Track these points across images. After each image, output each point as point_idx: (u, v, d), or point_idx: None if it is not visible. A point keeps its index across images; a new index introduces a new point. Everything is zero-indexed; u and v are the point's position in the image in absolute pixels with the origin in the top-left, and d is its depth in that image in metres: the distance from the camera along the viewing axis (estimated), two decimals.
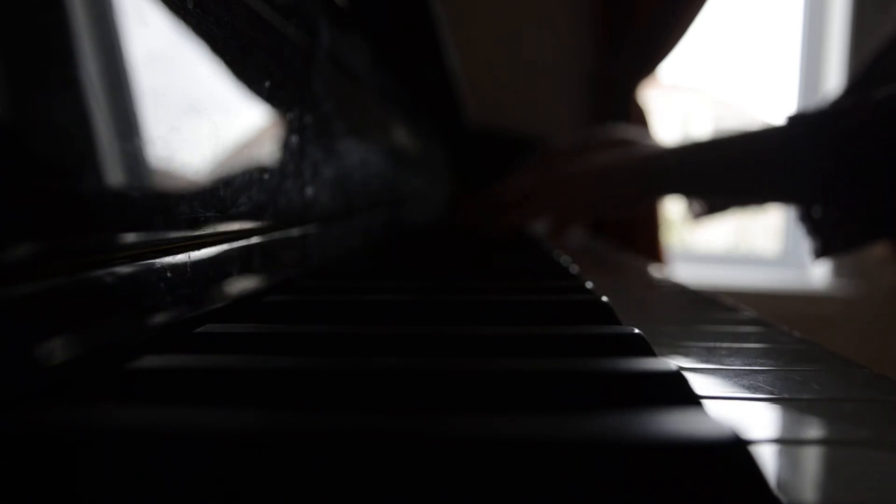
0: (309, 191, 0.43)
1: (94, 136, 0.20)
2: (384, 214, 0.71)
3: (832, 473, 0.17)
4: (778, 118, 0.69)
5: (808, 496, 0.15)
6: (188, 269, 0.26)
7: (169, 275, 0.25)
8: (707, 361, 0.28)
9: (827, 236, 0.69)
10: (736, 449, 0.14)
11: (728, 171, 0.72)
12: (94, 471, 0.13)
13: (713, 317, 0.40)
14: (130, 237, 0.22)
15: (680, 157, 0.75)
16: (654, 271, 0.70)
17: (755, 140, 0.71)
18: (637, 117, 1.76)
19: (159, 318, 0.24)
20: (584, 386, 0.20)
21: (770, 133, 0.69)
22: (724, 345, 0.31)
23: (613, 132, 0.89)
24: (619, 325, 0.30)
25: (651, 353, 0.25)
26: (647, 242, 1.74)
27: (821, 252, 0.71)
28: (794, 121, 0.67)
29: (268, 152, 0.36)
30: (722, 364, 0.28)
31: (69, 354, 0.19)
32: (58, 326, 0.18)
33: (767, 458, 0.17)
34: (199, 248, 0.28)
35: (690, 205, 0.85)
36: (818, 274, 1.89)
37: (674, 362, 0.21)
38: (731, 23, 2.09)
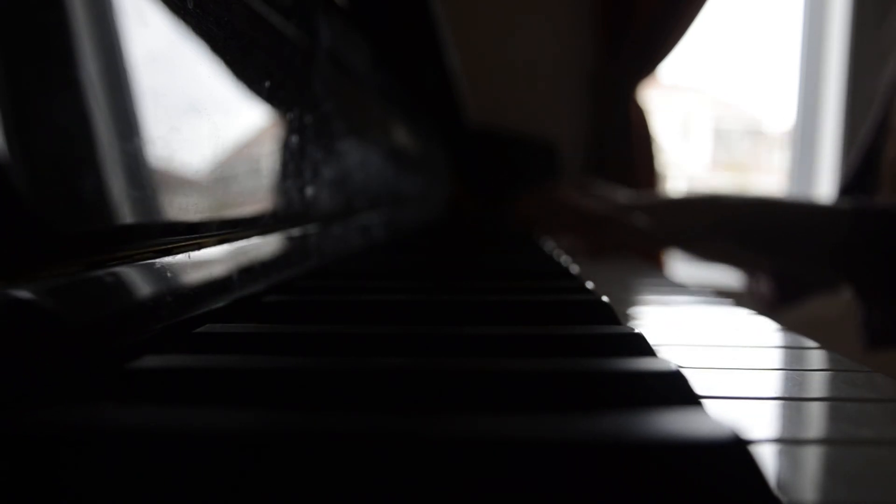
0: (309, 191, 0.43)
1: (95, 136, 0.20)
2: (384, 214, 0.71)
3: (832, 473, 0.17)
4: (844, 202, 0.74)
5: (808, 496, 0.15)
6: (188, 269, 0.26)
7: (169, 275, 0.25)
8: (707, 361, 0.28)
9: (880, 327, 0.72)
10: (736, 449, 0.14)
11: (789, 237, 0.76)
12: (94, 471, 0.13)
13: (713, 316, 0.40)
14: (131, 237, 0.22)
15: (750, 206, 0.79)
16: (654, 271, 0.70)
17: (824, 216, 0.75)
18: (637, 117, 1.76)
19: (159, 318, 0.24)
20: (584, 386, 0.20)
21: (839, 215, 0.73)
22: (724, 344, 0.31)
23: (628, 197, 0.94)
24: (619, 325, 0.30)
25: (651, 353, 0.25)
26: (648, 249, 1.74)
27: (875, 342, 0.73)
28: (862, 214, 0.71)
29: (268, 152, 0.36)
30: (722, 364, 0.28)
31: (69, 354, 0.19)
32: (58, 326, 0.18)
33: (767, 458, 0.17)
34: (198, 248, 0.28)
35: (763, 291, 0.85)
36: None
37: (674, 362, 0.21)
38: (731, 23, 2.09)
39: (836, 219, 0.74)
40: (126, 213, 0.22)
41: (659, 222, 0.81)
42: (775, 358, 0.29)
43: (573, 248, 0.86)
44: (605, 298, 0.33)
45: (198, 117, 0.27)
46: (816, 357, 0.29)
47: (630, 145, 1.76)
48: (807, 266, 0.83)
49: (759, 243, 0.81)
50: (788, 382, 0.25)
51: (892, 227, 0.70)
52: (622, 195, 0.94)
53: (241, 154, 0.32)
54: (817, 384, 0.25)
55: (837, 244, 0.73)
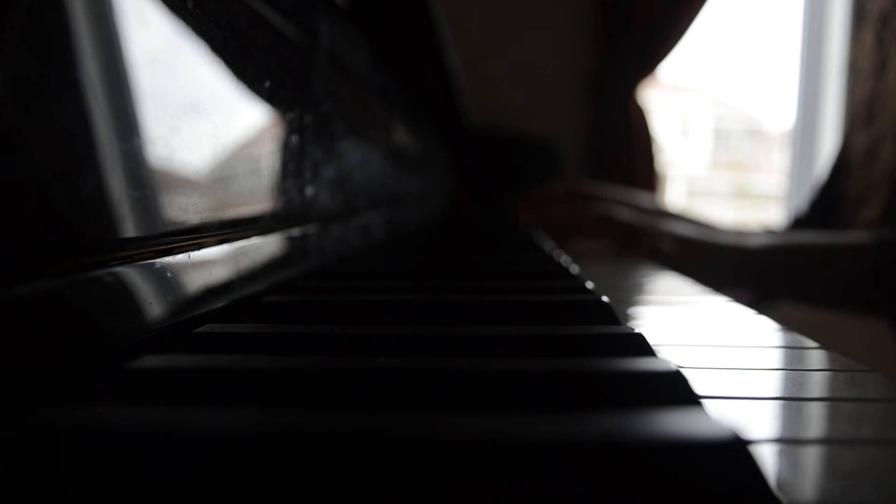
0: (309, 191, 0.43)
1: (95, 136, 0.20)
2: (384, 214, 0.71)
3: (832, 473, 0.17)
4: (865, 236, 0.76)
5: (808, 496, 0.15)
6: (188, 269, 0.26)
7: (169, 275, 0.25)
8: (707, 361, 0.28)
9: None
10: (736, 449, 0.14)
11: (819, 278, 0.79)
12: (94, 471, 0.13)
13: (713, 316, 0.40)
14: (130, 237, 0.22)
15: (773, 252, 0.80)
16: (655, 271, 0.70)
17: (847, 252, 0.77)
18: (637, 117, 1.76)
19: (159, 318, 0.24)
20: (584, 386, 0.20)
21: (860, 249, 0.76)
22: (724, 344, 0.31)
23: (634, 196, 0.98)
24: (619, 325, 0.30)
25: (651, 353, 0.25)
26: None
27: None
28: (883, 244, 0.73)
29: (267, 152, 0.36)
30: (722, 364, 0.28)
31: (69, 354, 0.19)
32: (58, 326, 0.18)
33: (767, 458, 0.17)
34: (198, 248, 0.28)
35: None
36: None
37: (673, 362, 0.21)
38: (730, 23, 2.09)
39: (859, 254, 0.76)
40: (126, 213, 0.22)
41: (683, 256, 0.82)
42: (775, 358, 0.29)
43: (600, 249, 0.86)
44: (604, 298, 0.33)
45: (198, 117, 0.27)
46: (816, 357, 0.29)
47: (630, 145, 1.76)
48: (837, 304, 0.85)
49: (783, 289, 0.83)
50: (788, 382, 0.25)
51: None
52: (646, 206, 0.96)
53: (241, 154, 0.32)
54: (817, 384, 0.25)
55: (863, 278, 0.75)
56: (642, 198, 1.06)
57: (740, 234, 0.88)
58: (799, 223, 1.04)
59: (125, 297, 0.22)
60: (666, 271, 0.69)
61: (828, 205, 0.97)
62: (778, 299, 0.89)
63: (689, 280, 0.60)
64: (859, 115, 0.93)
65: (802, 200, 1.09)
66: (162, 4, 0.24)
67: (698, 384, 0.24)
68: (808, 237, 0.84)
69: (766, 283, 0.83)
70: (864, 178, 0.88)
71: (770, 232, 0.99)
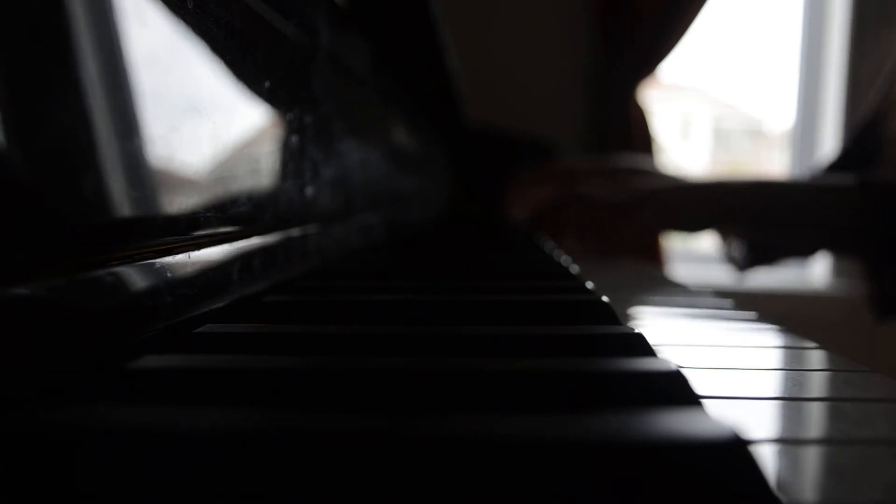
0: (309, 191, 0.43)
1: (95, 135, 0.20)
2: (384, 214, 0.71)
3: (832, 473, 0.17)
4: (849, 178, 0.76)
5: (808, 496, 0.15)
6: (188, 269, 0.26)
7: (169, 275, 0.25)
8: (707, 361, 0.28)
9: (890, 299, 0.74)
10: (736, 449, 0.14)
11: (798, 216, 0.78)
12: (94, 471, 0.13)
13: (714, 317, 0.40)
14: (130, 237, 0.22)
15: (757, 192, 0.80)
16: (655, 271, 0.70)
17: (829, 193, 0.77)
18: (637, 117, 1.76)
19: (159, 318, 0.24)
20: (584, 386, 0.20)
21: (846, 191, 0.75)
22: (724, 344, 0.31)
23: (629, 161, 0.97)
24: (619, 325, 0.30)
25: (651, 353, 0.25)
26: (648, 242, 1.74)
27: (885, 314, 0.75)
28: (867, 188, 0.73)
29: (267, 152, 0.36)
30: (722, 364, 0.28)
31: (69, 354, 0.19)
32: (58, 326, 0.18)
33: (767, 458, 0.17)
34: (198, 248, 0.28)
35: (735, 256, 0.86)
36: (818, 274, 1.89)
37: (674, 362, 0.21)
38: (731, 23, 2.09)
39: (843, 196, 0.75)
40: (126, 213, 0.22)
41: (666, 210, 0.81)
42: (775, 358, 0.29)
43: (580, 245, 0.86)
44: (605, 298, 0.33)
45: (198, 117, 0.27)
46: (816, 357, 0.29)
47: (630, 145, 1.76)
48: (817, 245, 0.85)
49: (767, 227, 0.82)
50: (788, 382, 0.25)
51: None
52: (624, 164, 0.94)
53: (241, 154, 0.32)
54: (817, 384, 0.25)
55: (846, 221, 0.75)
56: (626, 161, 1.05)
57: (723, 181, 0.87)
58: (837, 165, 1.01)
59: (125, 297, 0.22)
60: (665, 271, 0.69)
61: (868, 148, 0.95)
62: (764, 247, 0.88)
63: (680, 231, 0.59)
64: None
65: (840, 144, 1.06)
66: (162, 4, 0.24)
67: (698, 384, 0.24)
68: (792, 180, 0.83)
69: (749, 225, 0.82)
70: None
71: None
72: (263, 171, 0.35)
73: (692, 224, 0.83)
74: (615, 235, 0.83)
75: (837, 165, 1.00)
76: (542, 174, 0.97)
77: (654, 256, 1.73)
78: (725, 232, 0.85)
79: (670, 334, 0.34)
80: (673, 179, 0.87)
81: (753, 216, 0.81)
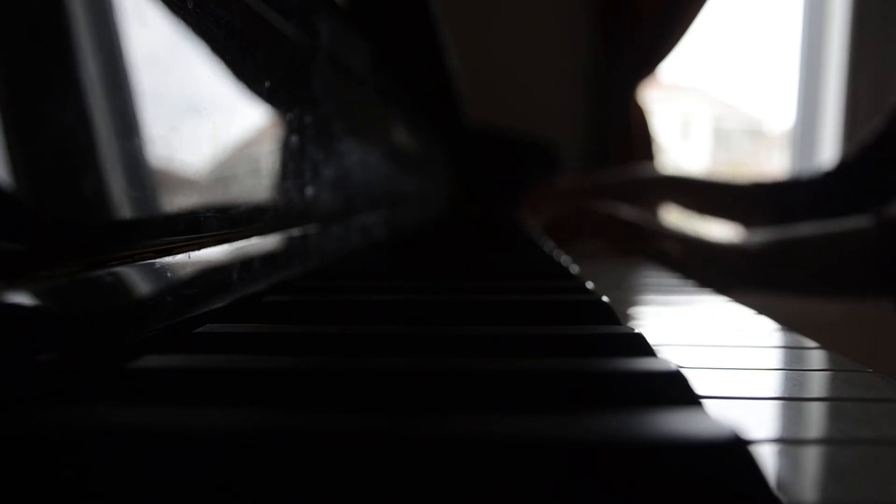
0: (309, 191, 0.43)
1: (95, 135, 0.20)
2: (384, 214, 0.71)
3: (832, 473, 0.17)
4: (863, 220, 0.77)
5: (808, 496, 0.15)
6: (188, 269, 0.26)
7: (169, 275, 0.25)
8: (707, 361, 0.28)
9: None
10: (736, 449, 0.14)
11: (822, 269, 0.80)
12: (94, 471, 0.13)
13: (713, 316, 0.40)
14: (131, 237, 0.22)
15: (777, 253, 0.81)
16: (655, 271, 0.70)
17: (849, 240, 0.78)
18: (637, 117, 1.76)
19: (159, 318, 0.24)
20: (584, 386, 0.20)
21: (862, 233, 0.76)
22: (724, 344, 0.31)
23: (653, 171, 1.02)
24: (619, 325, 0.30)
25: (651, 353, 0.25)
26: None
27: None
28: (885, 225, 0.74)
29: (267, 152, 0.36)
30: (722, 364, 0.28)
31: (69, 354, 0.19)
32: (58, 326, 0.18)
33: (767, 458, 0.17)
34: (198, 248, 0.28)
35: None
36: None
37: (674, 362, 0.21)
38: (731, 22, 2.09)
39: (861, 237, 0.77)
40: (126, 213, 0.22)
41: (687, 259, 0.83)
42: (775, 358, 0.29)
43: (598, 249, 0.87)
44: (605, 298, 0.33)
45: (198, 117, 0.27)
46: (816, 357, 0.29)
47: (630, 145, 1.76)
48: (845, 290, 0.86)
49: (786, 283, 0.84)
50: (788, 382, 0.25)
51: None
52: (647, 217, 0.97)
53: (241, 154, 0.32)
54: (817, 384, 0.25)
55: (868, 262, 0.76)
56: (651, 170, 1.09)
57: (739, 239, 0.89)
58: (847, 169, 1.02)
59: (125, 297, 0.22)
60: (666, 271, 0.69)
61: (884, 155, 0.96)
62: (782, 293, 0.89)
63: (690, 280, 0.60)
64: None
65: (850, 149, 1.07)
66: (162, 4, 0.24)
67: (698, 384, 0.24)
68: (807, 229, 0.84)
69: (768, 281, 0.83)
70: None
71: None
72: (263, 171, 0.35)
73: (713, 279, 0.84)
74: (634, 250, 0.85)
75: (873, 149, 0.99)
76: (563, 189, 1.00)
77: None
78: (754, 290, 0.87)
79: (670, 334, 0.34)
80: (715, 188, 0.89)
81: (771, 276, 0.82)
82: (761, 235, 0.85)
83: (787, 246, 0.82)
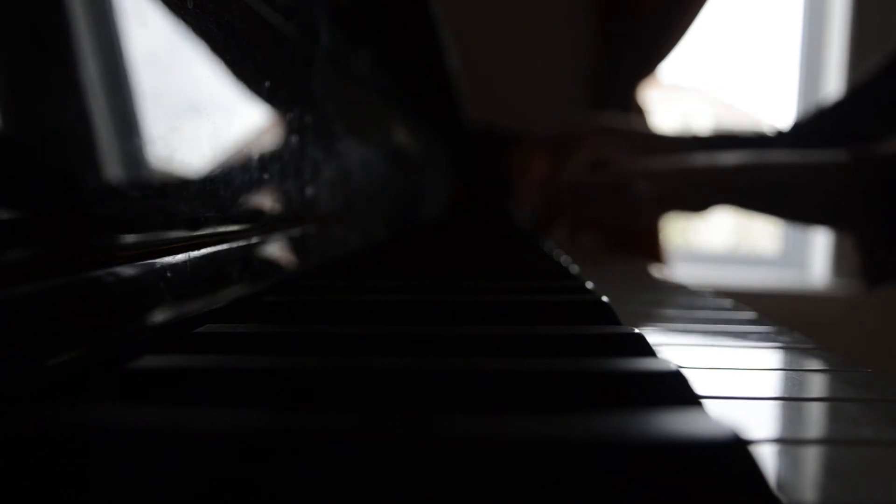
0: (309, 191, 0.43)
1: (95, 136, 0.20)
2: (384, 214, 0.71)
3: (832, 473, 0.17)
4: (841, 154, 0.76)
5: (808, 496, 0.15)
6: (188, 269, 0.26)
7: (169, 275, 0.25)
8: (707, 361, 0.28)
9: (882, 267, 0.75)
10: (736, 449, 0.14)
11: (794, 194, 0.80)
12: (95, 471, 0.13)
13: (714, 317, 0.40)
14: (130, 237, 0.22)
15: (753, 172, 0.81)
16: (655, 271, 0.70)
17: (823, 172, 0.78)
18: (637, 117, 1.76)
19: (159, 318, 0.24)
20: (584, 386, 0.20)
21: (839, 168, 0.76)
22: (724, 344, 0.31)
23: (615, 120, 0.99)
24: (619, 325, 0.30)
25: (651, 353, 0.25)
26: (648, 242, 1.74)
27: (876, 281, 0.76)
28: (860, 163, 0.74)
29: (267, 152, 0.36)
30: (722, 364, 0.28)
31: (69, 354, 0.19)
32: (58, 326, 0.18)
33: (767, 458, 0.17)
34: (198, 248, 0.28)
35: (873, 271, 0.86)
36: (818, 274, 1.89)
37: (673, 362, 0.21)
38: (731, 23, 2.09)
39: (837, 172, 0.77)
40: (126, 213, 0.22)
41: (662, 192, 0.81)
42: (775, 358, 0.29)
43: (580, 236, 0.87)
44: (605, 298, 0.33)
45: (198, 117, 0.27)
46: (816, 357, 0.29)
47: None
48: (811, 221, 0.86)
49: (762, 207, 0.84)
50: (788, 382, 0.25)
51: (891, 172, 0.73)
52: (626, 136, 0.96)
53: (241, 154, 0.32)
54: (817, 384, 0.25)
55: (839, 196, 0.76)
56: (632, 124, 1.07)
57: (713, 155, 0.87)
58: (817, 120, 1.01)
59: (125, 297, 0.22)
60: (665, 271, 0.69)
61: (843, 127, 0.95)
62: (751, 213, 0.89)
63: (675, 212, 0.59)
64: None
65: (805, 112, 1.06)
66: (162, 4, 0.24)
67: (698, 384, 0.24)
68: (783, 155, 0.83)
69: (742, 201, 0.83)
70: None
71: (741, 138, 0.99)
72: (263, 171, 0.35)
73: (690, 204, 0.84)
74: (613, 213, 0.83)
75: (843, 109, 0.98)
76: (533, 150, 0.99)
77: (655, 254, 1.74)
78: (724, 210, 0.86)
79: (670, 334, 0.34)
80: (659, 140, 0.89)
81: (751, 195, 0.82)
82: (735, 157, 0.83)
83: (760, 169, 0.81)
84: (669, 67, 1.97)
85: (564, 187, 0.87)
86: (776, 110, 2.32)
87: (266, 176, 0.36)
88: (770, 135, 1.01)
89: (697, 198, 0.83)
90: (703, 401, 0.21)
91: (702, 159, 0.85)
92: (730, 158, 0.83)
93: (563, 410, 0.16)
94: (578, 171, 0.93)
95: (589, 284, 0.39)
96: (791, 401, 0.23)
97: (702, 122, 2.39)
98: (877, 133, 0.83)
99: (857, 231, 0.79)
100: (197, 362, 0.20)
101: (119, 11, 0.21)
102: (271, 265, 0.36)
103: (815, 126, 0.99)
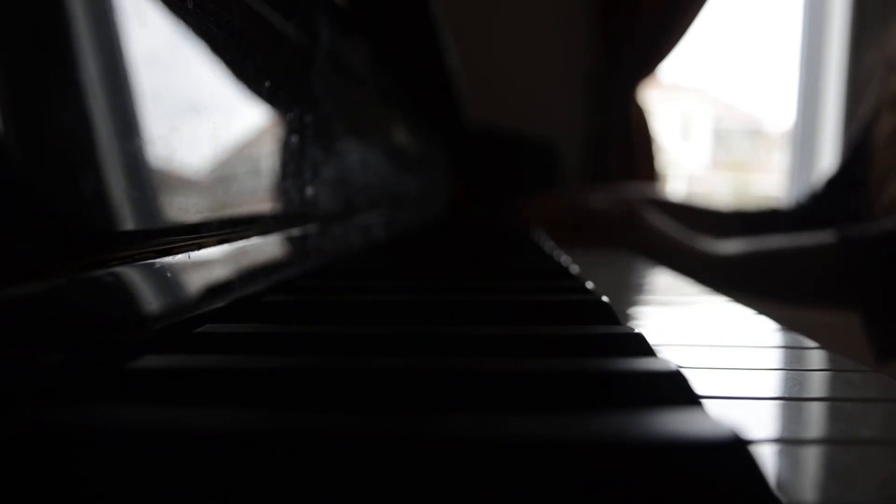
0: (309, 191, 0.43)
1: (95, 135, 0.20)
2: (384, 214, 0.71)
3: (832, 473, 0.17)
4: (828, 235, 0.80)
5: (808, 496, 0.15)
6: (188, 270, 0.26)
7: (169, 275, 0.25)
8: (707, 361, 0.28)
9: (887, 341, 0.78)
10: (736, 449, 0.14)
11: (783, 281, 0.85)
12: (95, 471, 0.13)
13: (713, 316, 0.40)
14: (130, 237, 0.22)
15: (748, 261, 0.86)
16: (655, 271, 0.70)
17: (811, 255, 0.82)
18: (637, 117, 1.76)
19: (159, 318, 0.24)
20: (584, 386, 0.20)
21: (825, 250, 0.80)
22: (724, 344, 0.31)
23: (641, 191, 1.06)
24: (619, 325, 0.30)
25: (651, 353, 0.25)
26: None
27: (884, 356, 0.78)
28: (846, 243, 0.78)
29: (267, 152, 0.36)
30: (722, 364, 0.28)
31: (69, 354, 0.19)
32: (58, 326, 0.18)
33: (767, 458, 0.17)
34: (198, 248, 0.28)
35: (879, 345, 0.88)
36: None
37: (674, 362, 0.21)
38: (731, 23, 2.09)
39: (825, 253, 0.81)
40: (126, 213, 0.22)
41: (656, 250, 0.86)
42: (775, 358, 0.29)
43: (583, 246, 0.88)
44: (605, 298, 0.33)
45: (198, 117, 0.27)
46: (816, 357, 0.29)
47: (630, 145, 1.76)
48: (808, 303, 0.91)
49: (755, 290, 0.88)
50: (788, 382, 0.25)
51: (878, 250, 0.78)
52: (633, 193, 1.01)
53: (241, 154, 0.32)
54: (817, 384, 0.25)
55: (831, 277, 0.81)
56: (642, 189, 1.12)
57: (712, 241, 0.92)
58: (814, 201, 1.08)
59: (125, 297, 0.22)
60: (663, 271, 0.69)
61: (845, 189, 1.01)
62: (751, 297, 0.93)
63: (678, 275, 0.62)
64: (886, 103, 0.95)
65: (817, 180, 1.14)
66: (162, 4, 0.24)
67: (698, 384, 0.24)
68: (777, 241, 0.88)
69: (737, 286, 0.87)
70: (886, 161, 0.92)
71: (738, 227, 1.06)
72: (263, 171, 0.35)
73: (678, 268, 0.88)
74: (611, 241, 0.87)
75: (837, 180, 1.06)
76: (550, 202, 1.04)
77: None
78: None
79: (670, 334, 0.34)
80: (676, 230, 0.92)
81: (744, 283, 0.86)
82: (735, 245, 0.89)
83: (758, 257, 0.86)
84: (669, 67, 1.97)
85: (576, 212, 0.91)
86: (776, 110, 2.32)
87: (266, 176, 0.36)
88: (782, 211, 1.08)
89: (690, 272, 0.87)
90: (703, 401, 0.21)
91: (704, 245, 0.89)
92: (729, 247, 0.87)
93: (563, 411, 0.16)
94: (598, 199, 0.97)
95: (589, 284, 0.39)
96: (791, 401, 0.23)
97: (702, 123, 2.39)
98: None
99: (858, 309, 0.82)
100: (197, 362, 0.20)
101: (119, 11, 0.21)
102: (271, 265, 0.36)
103: (816, 205, 1.07)
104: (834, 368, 0.27)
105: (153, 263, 0.24)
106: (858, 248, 0.78)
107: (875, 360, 0.82)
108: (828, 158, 1.85)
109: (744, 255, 0.86)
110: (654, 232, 0.88)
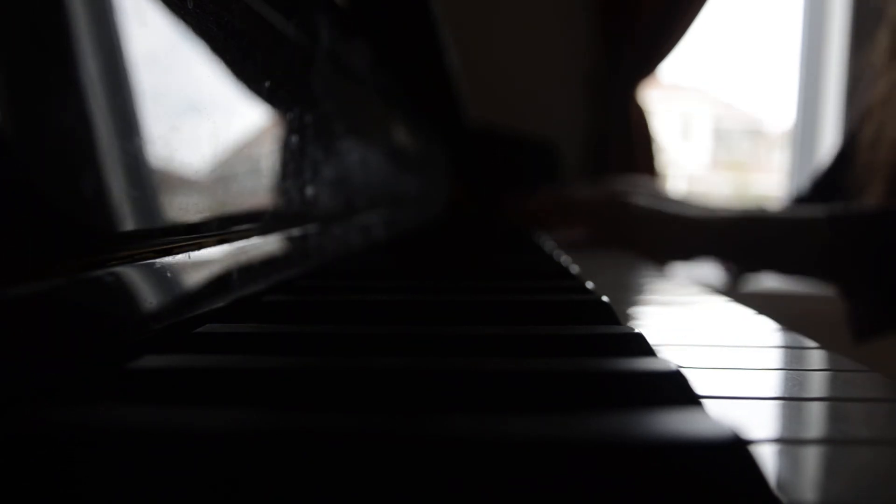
0: (309, 191, 0.43)
1: (95, 135, 0.20)
2: (384, 214, 0.71)
3: (832, 473, 0.17)
4: (822, 209, 0.81)
5: (808, 496, 0.15)
6: (188, 269, 0.26)
7: (169, 275, 0.25)
8: (707, 361, 0.28)
9: (866, 320, 0.78)
10: (736, 449, 0.14)
11: (774, 251, 0.85)
12: (95, 471, 0.13)
13: (713, 316, 0.40)
14: (130, 237, 0.22)
15: (736, 227, 0.85)
16: (655, 271, 0.70)
17: (803, 226, 0.82)
18: (637, 117, 1.76)
19: (159, 318, 0.24)
20: (584, 386, 0.20)
21: (815, 223, 0.80)
22: (724, 344, 0.31)
23: (627, 184, 1.04)
24: (619, 325, 0.30)
25: (651, 353, 0.25)
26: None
27: (861, 335, 0.79)
28: (835, 220, 0.78)
29: (267, 152, 0.36)
30: (722, 364, 0.28)
31: (69, 354, 0.19)
32: (58, 326, 0.18)
33: (767, 458, 0.17)
34: (198, 248, 0.28)
35: (858, 324, 0.88)
36: None
37: (674, 362, 0.21)
38: (731, 22, 2.09)
39: (816, 228, 0.81)
40: (126, 213, 0.22)
41: (654, 235, 0.86)
42: (775, 358, 0.29)
43: (576, 241, 0.88)
44: (605, 298, 0.33)
45: (198, 117, 0.27)
46: (816, 357, 0.29)
47: (630, 145, 1.76)
48: (793, 274, 0.91)
49: (745, 259, 0.89)
50: (788, 382, 0.25)
51: (868, 231, 0.78)
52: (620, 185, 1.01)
53: (241, 154, 0.32)
54: (817, 384, 0.25)
55: (819, 251, 0.81)
56: (634, 181, 1.12)
57: (704, 207, 0.91)
58: (800, 202, 1.09)
59: (125, 297, 0.22)
60: (661, 271, 0.69)
61: (830, 190, 1.02)
62: (743, 269, 0.93)
63: (656, 258, 0.62)
64: (869, 111, 0.96)
65: (804, 182, 1.14)
66: (162, 4, 0.24)
67: (698, 384, 0.24)
68: (769, 211, 0.88)
69: (728, 254, 0.87)
70: (868, 165, 0.92)
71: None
72: (263, 171, 0.35)
73: (673, 254, 0.87)
74: (601, 230, 0.87)
75: (821, 183, 1.08)
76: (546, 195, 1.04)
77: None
78: (708, 261, 0.90)
79: (670, 334, 0.34)
80: (664, 203, 0.92)
81: (733, 249, 0.87)
82: (727, 210, 0.88)
83: (749, 222, 0.85)
84: (669, 67, 1.97)
85: (567, 203, 0.91)
86: (776, 110, 2.32)
87: (266, 176, 0.36)
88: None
89: (682, 246, 0.86)
90: (703, 401, 0.21)
91: (695, 210, 0.89)
92: (721, 213, 0.87)
93: (563, 411, 0.16)
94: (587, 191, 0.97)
95: (589, 284, 0.39)
96: (791, 401, 0.23)
97: (702, 123, 2.39)
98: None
99: (841, 285, 0.82)
100: (197, 362, 0.20)
101: (119, 11, 0.21)
102: (271, 265, 0.36)
103: (815, 193, 1.08)
104: (834, 368, 0.27)
105: (153, 263, 0.24)
106: (846, 226, 0.78)
107: (852, 339, 0.82)
108: (827, 158, 1.85)
109: (736, 220, 0.86)
110: (640, 211, 0.87)
